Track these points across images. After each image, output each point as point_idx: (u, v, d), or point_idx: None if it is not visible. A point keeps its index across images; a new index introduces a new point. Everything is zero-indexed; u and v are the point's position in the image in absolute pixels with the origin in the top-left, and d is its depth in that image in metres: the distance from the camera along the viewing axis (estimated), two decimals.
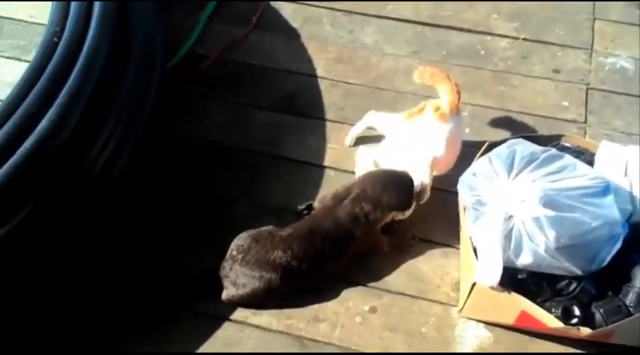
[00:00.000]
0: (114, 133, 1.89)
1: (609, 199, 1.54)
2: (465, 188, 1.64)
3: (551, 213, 1.49)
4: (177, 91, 2.27)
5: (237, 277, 1.71)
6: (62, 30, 1.87)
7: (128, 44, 2.03)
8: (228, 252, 1.75)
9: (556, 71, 2.29)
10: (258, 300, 1.73)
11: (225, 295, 1.73)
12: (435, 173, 1.84)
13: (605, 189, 1.55)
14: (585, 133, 2.09)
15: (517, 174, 1.58)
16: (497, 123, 2.14)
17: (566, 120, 2.14)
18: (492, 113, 2.18)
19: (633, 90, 2.23)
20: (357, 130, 2.09)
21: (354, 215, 1.75)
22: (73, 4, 1.93)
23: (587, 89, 2.24)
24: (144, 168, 2.02)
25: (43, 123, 1.66)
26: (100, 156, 1.85)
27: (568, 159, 1.62)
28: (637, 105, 2.18)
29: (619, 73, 2.28)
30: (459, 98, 1.88)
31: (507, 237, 1.54)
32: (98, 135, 1.84)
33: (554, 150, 1.65)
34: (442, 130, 1.84)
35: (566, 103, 2.19)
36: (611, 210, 1.53)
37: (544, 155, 1.61)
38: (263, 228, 1.78)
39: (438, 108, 1.86)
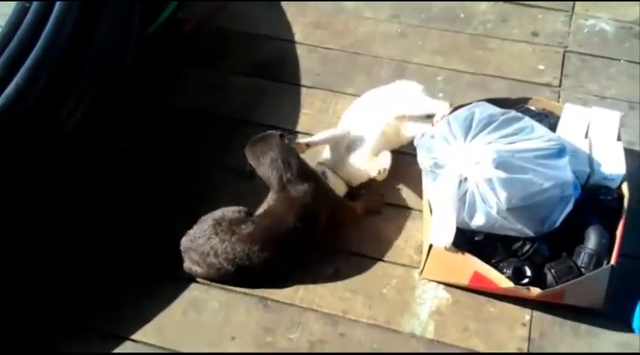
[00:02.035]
0: (84, 97, 1.92)
1: (564, 161, 1.54)
2: (424, 150, 1.65)
3: (503, 174, 1.50)
4: (157, 57, 2.28)
5: (197, 258, 1.72)
6: None
7: (100, 9, 2.04)
8: (192, 231, 1.74)
9: (534, 34, 2.27)
10: (212, 281, 1.75)
11: (185, 267, 1.75)
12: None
13: (560, 151, 1.55)
14: (559, 97, 2.07)
15: (474, 137, 1.58)
16: (470, 87, 2.13)
17: (541, 84, 2.12)
18: (467, 77, 2.17)
19: (611, 53, 2.20)
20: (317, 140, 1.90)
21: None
22: None
23: (565, 52, 2.21)
24: (117, 133, 2.05)
25: (10, 88, 1.69)
26: (69, 121, 1.89)
27: (526, 121, 1.61)
28: (614, 68, 2.16)
29: (598, 36, 2.25)
30: None
31: (462, 198, 1.55)
32: (66, 99, 1.87)
33: (513, 113, 1.64)
34: None
35: (542, 67, 2.17)
36: (564, 171, 1.53)
37: (502, 117, 1.60)
38: (227, 214, 1.75)
39: None
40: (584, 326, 1.61)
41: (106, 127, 2.02)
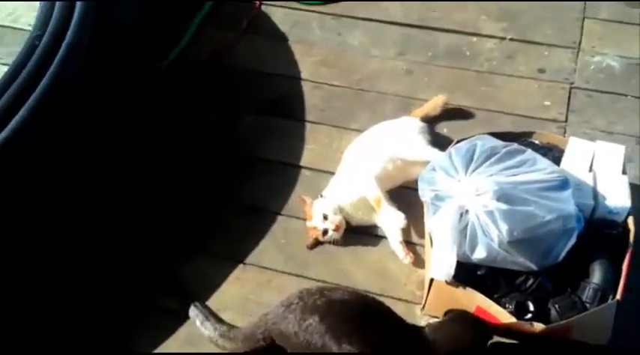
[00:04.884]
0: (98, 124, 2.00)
1: (567, 193, 1.51)
2: (425, 183, 1.62)
3: (504, 206, 1.47)
4: (165, 95, 2.29)
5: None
6: (44, 34, 1.93)
7: (108, 46, 2.07)
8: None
9: (541, 71, 2.25)
10: None
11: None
12: None
13: (563, 184, 1.52)
14: (565, 132, 2.04)
15: (475, 169, 1.56)
16: (475, 122, 2.11)
17: (547, 120, 2.09)
18: (472, 113, 2.15)
19: (618, 89, 2.17)
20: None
21: None
22: (56, 7, 1.98)
23: (571, 88, 2.19)
24: (122, 169, 2.05)
25: (14, 121, 1.71)
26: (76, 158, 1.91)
27: (529, 154, 1.59)
28: (620, 103, 2.13)
29: (604, 72, 2.23)
30: None
31: (462, 231, 1.51)
32: (73, 135, 1.90)
33: (515, 145, 1.61)
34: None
35: (547, 103, 2.15)
36: (567, 204, 1.49)
37: (504, 150, 1.58)
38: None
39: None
40: None
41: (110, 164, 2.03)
